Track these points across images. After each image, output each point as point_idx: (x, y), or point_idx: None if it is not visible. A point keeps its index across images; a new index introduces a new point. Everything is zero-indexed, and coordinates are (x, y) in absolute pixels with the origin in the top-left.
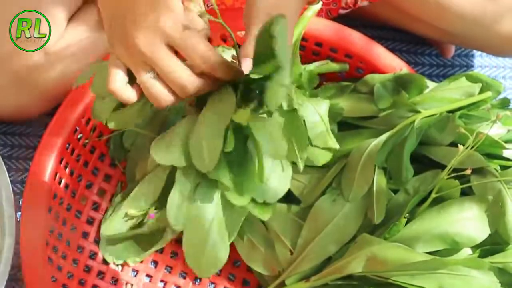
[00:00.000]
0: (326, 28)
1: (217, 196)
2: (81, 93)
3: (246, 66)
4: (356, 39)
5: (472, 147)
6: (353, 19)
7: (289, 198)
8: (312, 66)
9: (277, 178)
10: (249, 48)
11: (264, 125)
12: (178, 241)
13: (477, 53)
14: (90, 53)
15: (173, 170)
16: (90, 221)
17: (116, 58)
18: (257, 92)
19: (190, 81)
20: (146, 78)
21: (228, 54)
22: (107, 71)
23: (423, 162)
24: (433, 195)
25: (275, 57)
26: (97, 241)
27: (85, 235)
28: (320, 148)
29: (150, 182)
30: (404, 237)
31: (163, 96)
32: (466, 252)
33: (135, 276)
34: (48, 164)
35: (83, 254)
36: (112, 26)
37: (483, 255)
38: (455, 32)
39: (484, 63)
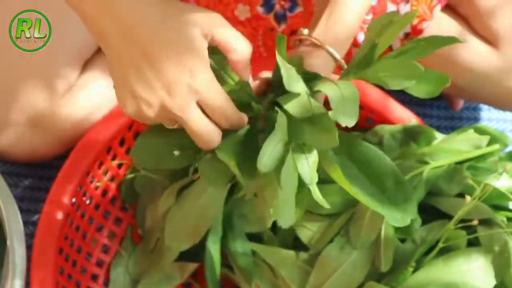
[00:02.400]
0: (338, 79)
1: None
2: (95, 137)
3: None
4: (367, 90)
5: (479, 199)
6: None
7: (297, 245)
8: None
9: None
10: None
11: None
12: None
13: (485, 106)
14: (105, 97)
15: None
16: (99, 264)
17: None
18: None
19: (217, 139)
20: None
21: None
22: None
23: (430, 212)
24: (440, 245)
25: None
26: (106, 283)
27: (95, 277)
28: None
29: None
30: (410, 286)
31: None
32: None
33: None
34: (60, 206)
35: None
36: (124, 84)
37: None
38: (463, 86)
39: (491, 117)
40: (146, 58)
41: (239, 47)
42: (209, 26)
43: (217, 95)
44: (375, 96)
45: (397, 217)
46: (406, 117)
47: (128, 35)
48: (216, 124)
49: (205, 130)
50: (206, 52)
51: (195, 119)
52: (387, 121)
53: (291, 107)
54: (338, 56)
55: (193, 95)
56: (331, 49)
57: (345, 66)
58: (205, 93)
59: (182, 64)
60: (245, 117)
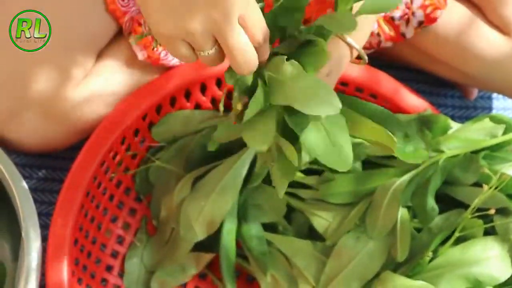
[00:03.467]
0: (351, 68)
1: None
2: (109, 127)
3: None
4: (381, 79)
5: (495, 188)
6: (377, 60)
7: (312, 235)
8: None
9: None
10: None
11: None
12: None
13: (499, 95)
14: (120, 87)
15: None
16: (114, 255)
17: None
18: None
19: (255, 61)
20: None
21: None
22: None
23: (446, 202)
24: (457, 234)
25: None
26: (121, 275)
27: (109, 268)
28: None
29: None
30: (427, 275)
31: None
32: None
33: None
34: (74, 197)
35: (106, 287)
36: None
37: None
38: (475, 75)
39: (507, 106)
40: None
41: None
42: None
43: (257, 9)
44: (390, 85)
45: None
46: (421, 106)
47: None
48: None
49: (248, 47)
50: None
51: (238, 32)
52: (401, 110)
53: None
54: (357, 47)
55: (236, 8)
56: (349, 39)
57: (365, 57)
58: (248, 8)
59: None
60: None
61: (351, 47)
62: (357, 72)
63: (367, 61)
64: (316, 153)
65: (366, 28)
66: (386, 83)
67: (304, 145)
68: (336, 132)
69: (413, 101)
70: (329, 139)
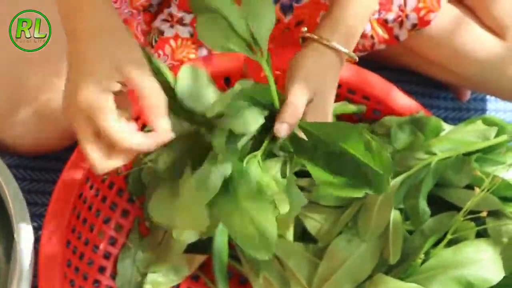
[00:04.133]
0: (344, 70)
1: None
2: None
3: (283, 130)
4: (374, 81)
5: (488, 190)
6: (370, 62)
7: (305, 237)
8: None
9: None
10: (287, 115)
11: None
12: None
13: (492, 97)
14: None
15: None
16: (107, 256)
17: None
18: None
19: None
20: None
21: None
22: None
23: (438, 204)
24: (449, 236)
25: None
26: (113, 276)
27: (102, 269)
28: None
29: None
30: (419, 277)
31: None
32: None
33: None
34: (67, 199)
35: None
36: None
37: None
38: (469, 77)
39: (499, 107)
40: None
41: (151, 95)
42: (120, 62)
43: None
44: (382, 87)
45: None
46: (413, 107)
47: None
48: None
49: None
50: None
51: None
52: (394, 112)
53: None
54: (346, 51)
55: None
56: (337, 46)
57: (356, 58)
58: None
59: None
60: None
61: (339, 52)
62: (350, 74)
63: (357, 59)
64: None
65: (353, 25)
66: (379, 85)
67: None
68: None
69: (406, 103)
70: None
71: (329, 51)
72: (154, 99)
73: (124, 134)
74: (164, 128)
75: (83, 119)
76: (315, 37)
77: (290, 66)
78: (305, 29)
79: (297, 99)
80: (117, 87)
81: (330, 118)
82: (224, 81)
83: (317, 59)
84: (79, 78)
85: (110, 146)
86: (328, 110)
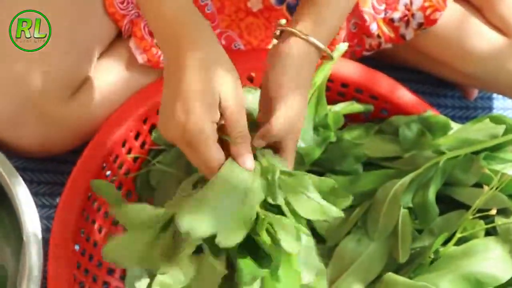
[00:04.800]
0: (352, 70)
1: None
2: (110, 131)
3: (258, 143)
4: (381, 80)
5: (496, 188)
6: (377, 61)
7: (314, 236)
8: (337, 107)
9: None
10: (270, 130)
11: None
12: None
13: (499, 95)
14: (120, 91)
15: None
16: None
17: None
18: None
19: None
20: None
21: (255, 95)
22: None
23: (447, 203)
24: (458, 235)
25: None
26: (122, 277)
27: (111, 271)
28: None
29: None
30: (429, 276)
31: None
32: None
33: None
34: (76, 200)
35: None
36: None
37: None
38: (476, 75)
39: (506, 106)
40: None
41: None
42: (227, 99)
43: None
44: (389, 86)
45: None
46: (421, 107)
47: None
48: None
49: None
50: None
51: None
52: (402, 111)
53: None
54: (322, 46)
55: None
56: (312, 39)
57: (331, 54)
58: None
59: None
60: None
61: (316, 47)
62: (357, 73)
63: (333, 58)
64: None
65: (331, 22)
66: (386, 84)
67: None
68: None
69: (414, 102)
70: None
71: (309, 47)
72: (245, 140)
73: (217, 163)
74: (247, 166)
75: (185, 143)
76: (296, 31)
77: (271, 62)
78: (284, 21)
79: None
80: (218, 118)
81: (302, 120)
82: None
83: (299, 54)
84: (189, 103)
85: None
86: (303, 112)
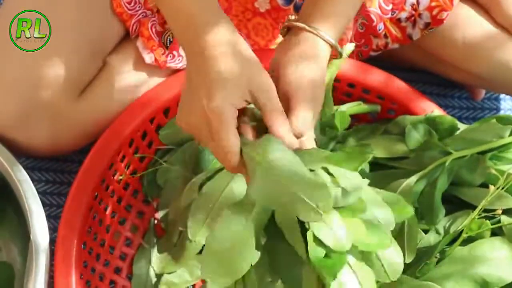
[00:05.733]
0: (358, 70)
1: None
2: (117, 130)
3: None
4: (388, 81)
5: (502, 188)
6: (383, 61)
7: None
8: (344, 107)
9: None
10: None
11: None
12: None
13: (506, 96)
14: (127, 90)
15: None
16: (122, 257)
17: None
18: None
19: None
20: None
21: None
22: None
23: (453, 202)
24: (464, 235)
25: None
26: (129, 277)
27: (118, 270)
28: None
29: None
30: (435, 276)
31: None
32: None
33: None
34: (83, 200)
35: None
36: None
37: None
38: (483, 76)
39: None
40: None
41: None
42: (253, 85)
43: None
44: (397, 87)
45: None
46: (427, 107)
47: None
48: None
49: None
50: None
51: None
52: (409, 111)
53: None
54: (332, 41)
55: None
56: (323, 33)
57: (341, 51)
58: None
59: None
60: None
61: (326, 41)
62: (365, 74)
63: (343, 55)
64: None
65: (341, 17)
66: (393, 84)
67: None
68: None
69: (420, 102)
70: None
71: (319, 41)
72: (280, 119)
73: (237, 148)
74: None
75: (205, 125)
76: (306, 26)
77: (282, 59)
78: (293, 17)
79: (304, 119)
80: (244, 105)
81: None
82: None
83: (311, 49)
84: (212, 89)
85: None
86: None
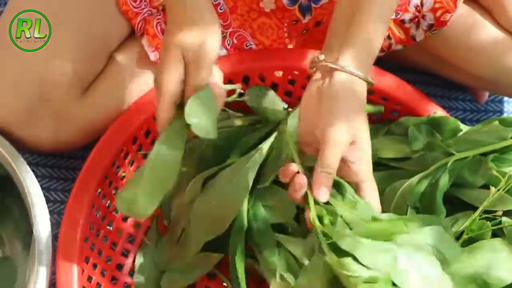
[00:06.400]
0: None
1: None
2: (120, 127)
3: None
4: (392, 82)
5: (504, 190)
6: (387, 63)
7: None
8: None
9: None
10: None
11: None
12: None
13: (510, 99)
14: (132, 88)
15: None
16: (125, 253)
17: None
18: None
19: None
20: None
21: None
22: None
23: (454, 203)
24: (465, 236)
25: None
26: (131, 274)
27: (120, 267)
28: None
29: None
30: None
31: None
32: None
33: None
34: (86, 196)
35: (116, 285)
36: None
37: None
38: (486, 78)
39: None
40: None
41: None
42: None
43: None
44: (400, 88)
45: None
46: (431, 108)
47: None
48: None
49: None
50: None
51: None
52: (412, 112)
53: None
54: (369, 79)
55: None
56: (358, 72)
57: (372, 82)
58: None
59: None
60: None
61: (361, 78)
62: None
63: (373, 84)
64: None
65: (373, 43)
66: (397, 86)
67: None
68: None
69: (424, 104)
70: None
71: (354, 79)
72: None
73: (163, 121)
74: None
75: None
76: (333, 65)
77: (313, 103)
78: (322, 56)
79: (335, 148)
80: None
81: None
82: (242, 80)
83: (346, 90)
84: (175, 29)
85: None
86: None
